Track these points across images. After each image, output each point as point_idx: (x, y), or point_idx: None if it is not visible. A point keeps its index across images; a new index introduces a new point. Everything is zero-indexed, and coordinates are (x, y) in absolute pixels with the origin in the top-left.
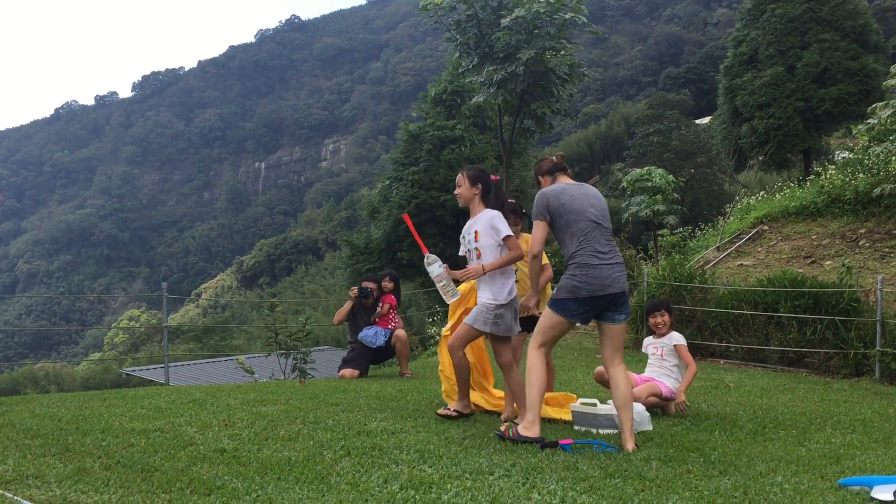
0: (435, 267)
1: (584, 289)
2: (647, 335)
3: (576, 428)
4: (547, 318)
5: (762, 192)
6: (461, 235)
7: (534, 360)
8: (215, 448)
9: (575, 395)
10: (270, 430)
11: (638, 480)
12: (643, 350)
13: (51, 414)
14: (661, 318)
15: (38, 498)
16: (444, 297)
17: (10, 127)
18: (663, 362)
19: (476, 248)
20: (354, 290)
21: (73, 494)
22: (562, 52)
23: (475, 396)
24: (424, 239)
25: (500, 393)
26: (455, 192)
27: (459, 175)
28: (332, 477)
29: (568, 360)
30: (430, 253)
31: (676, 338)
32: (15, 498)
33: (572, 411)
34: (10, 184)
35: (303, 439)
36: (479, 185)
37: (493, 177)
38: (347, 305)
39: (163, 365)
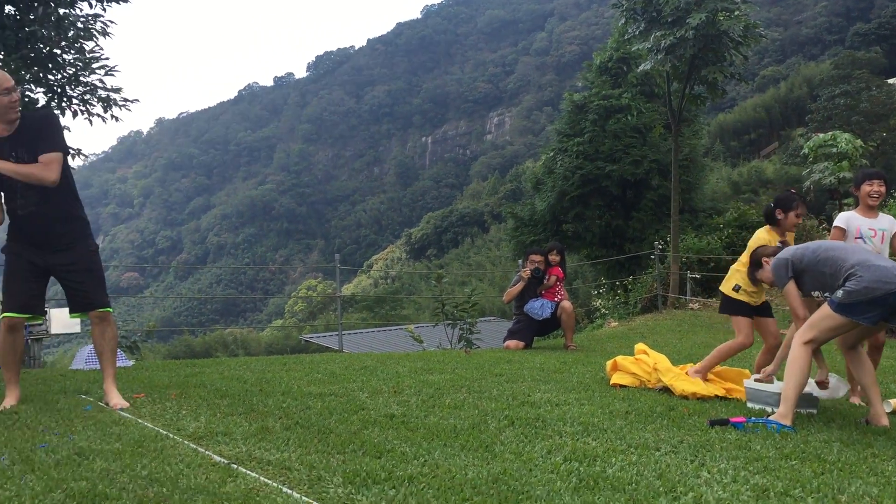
0: None
1: (879, 289)
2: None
3: (749, 405)
4: (830, 318)
5: None
6: None
7: (800, 354)
8: (385, 413)
9: (748, 372)
10: (437, 397)
11: (817, 462)
12: (841, 225)
13: (237, 376)
14: (880, 187)
15: (227, 453)
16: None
17: (200, 109)
18: (882, 249)
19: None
20: (527, 272)
21: (257, 451)
22: (735, 13)
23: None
24: (589, 211)
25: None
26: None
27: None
28: (497, 446)
29: None
30: None
31: (892, 220)
32: (206, 452)
33: (746, 388)
34: (200, 162)
35: (468, 408)
36: None
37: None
38: (519, 286)
39: (337, 333)
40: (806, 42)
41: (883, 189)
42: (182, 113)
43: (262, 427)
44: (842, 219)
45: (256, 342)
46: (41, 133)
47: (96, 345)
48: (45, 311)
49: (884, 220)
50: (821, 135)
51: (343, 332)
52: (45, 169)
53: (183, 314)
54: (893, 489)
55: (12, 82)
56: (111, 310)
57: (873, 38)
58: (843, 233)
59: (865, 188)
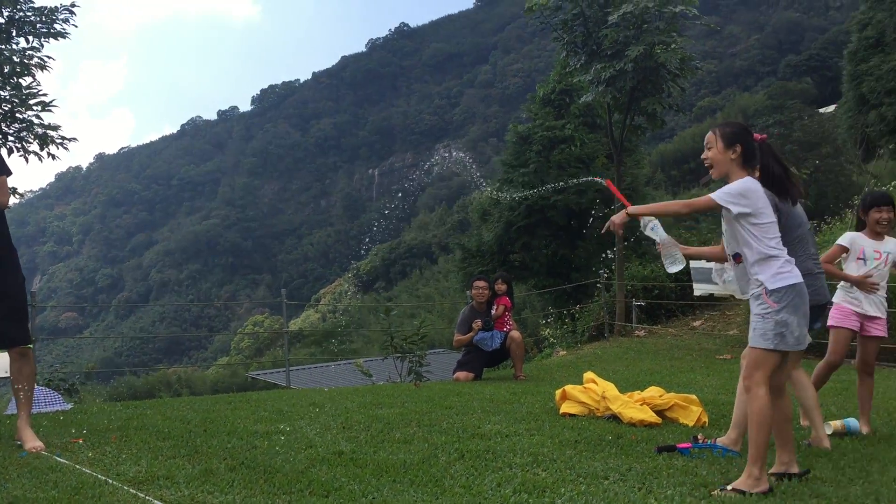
0: (657, 229)
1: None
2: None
3: (696, 288)
4: None
5: (894, 183)
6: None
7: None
8: (334, 450)
9: (696, 397)
10: (386, 432)
11: None
12: (845, 244)
13: (181, 417)
14: (889, 214)
15: (168, 498)
16: (665, 266)
17: (141, 143)
18: (885, 272)
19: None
20: (479, 323)
21: (200, 495)
22: (672, 46)
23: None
24: (536, 241)
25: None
26: (703, 157)
27: (710, 133)
28: (446, 480)
29: (686, 361)
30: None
31: None
32: (147, 498)
33: (692, 269)
34: (142, 198)
35: (418, 442)
36: (739, 147)
37: (758, 136)
38: (469, 336)
39: (285, 369)
40: (740, 73)
41: (892, 216)
42: (123, 148)
43: (206, 469)
44: (846, 238)
45: (201, 381)
46: None
47: (14, 382)
48: None
49: (889, 244)
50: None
51: (291, 368)
52: None
53: (124, 354)
54: None
55: None
56: (32, 346)
57: (804, 70)
58: (843, 251)
59: (874, 215)
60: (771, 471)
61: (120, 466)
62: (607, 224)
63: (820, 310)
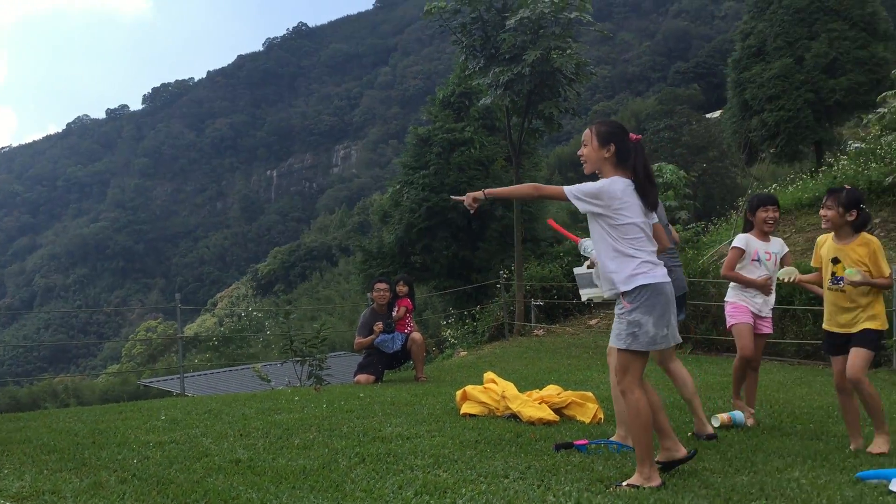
0: (591, 251)
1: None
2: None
3: (582, 293)
4: None
5: (775, 185)
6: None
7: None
8: (230, 458)
9: (592, 395)
10: (285, 438)
11: None
12: (741, 246)
13: (67, 429)
14: (774, 214)
15: None
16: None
17: (24, 143)
18: (774, 272)
19: None
20: (380, 326)
21: None
22: (568, 52)
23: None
24: (436, 243)
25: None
26: (578, 153)
27: (587, 130)
28: (347, 484)
29: (584, 359)
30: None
31: (783, 244)
32: None
33: (576, 275)
34: (25, 200)
35: (317, 447)
36: (613, 146)
37: (633, 136)
38: (371, 338)
39: (179, 376)
40: (633, 79)
41: (777, 215)
42: (4, 147)
43: (95, 482)
44: (741, 240)
45: (90, 390)
46: None
47: None
48: None
49: (776, 244)
50: None
51: (185, 375)
52: None
53: (6, 363)
54: (723, 501)
55: None
56: None
57: (692, 76)
58: (741, 253)
59: (761, 214)
60: (657, 458)
61: (2, 482)
62: (464, 197)
63: (681, 300)
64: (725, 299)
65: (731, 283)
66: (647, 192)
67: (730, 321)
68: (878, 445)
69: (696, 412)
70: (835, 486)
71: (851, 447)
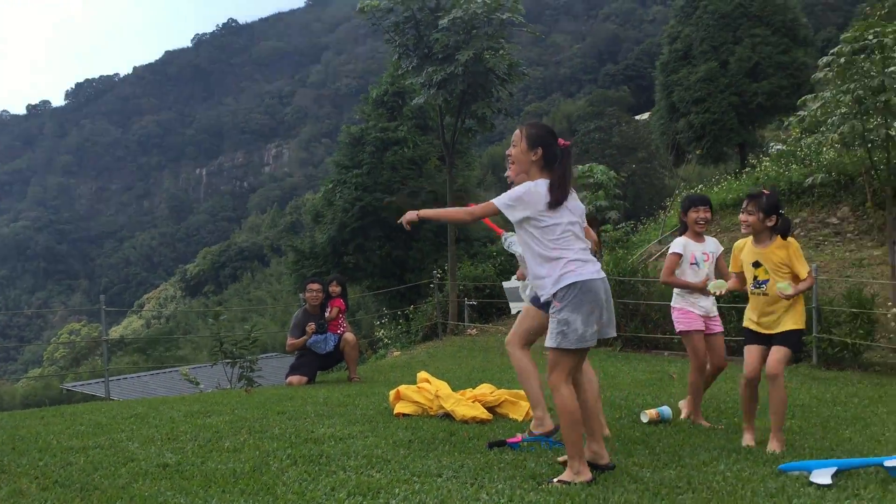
0: (514, 246)
1: None
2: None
3: (512, 307)
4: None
5: (701, 186)
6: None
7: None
8: (158, 463)
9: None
10: (215, 441)
11: None
12: (679, 251)
13: None
14: (706, 214)
15: None
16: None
17: None
18: (711, 272)
19: None
20: (312, 327)
21: None
22: (500, 52)
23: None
24: (370, 242)
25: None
26: (507, 152)
27: (517, 130)
28: (279, 487)
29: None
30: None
31: (717, 243)
32: None
33: (506, 289)
34: None
35: (248, 450)
36: (540, 150)
37: (562, 141)
38: (303, 339)
39: (104, 379)
40: (564, 81)
41: (709, 215)
42: None
43: (15, 490)
44: (678, 244)
45: (10, 395)
46: None
47: None
48: None
49: (710, 244)
50: (580, 166)
51: (110, 379)
52: None
53: None
54: (651, 494)
55: None
56: None
57: (622, 79)
58: (679, 258)
59: (692, 215)
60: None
61: None
62: (401, 219)
63: None
64: (672, 304)
65: (675, 289)
66: (553, 191)
67: (678, 327)
68: (774, 445)
69: (533, 404)
70: (758, 478)
71: (744, 443)
